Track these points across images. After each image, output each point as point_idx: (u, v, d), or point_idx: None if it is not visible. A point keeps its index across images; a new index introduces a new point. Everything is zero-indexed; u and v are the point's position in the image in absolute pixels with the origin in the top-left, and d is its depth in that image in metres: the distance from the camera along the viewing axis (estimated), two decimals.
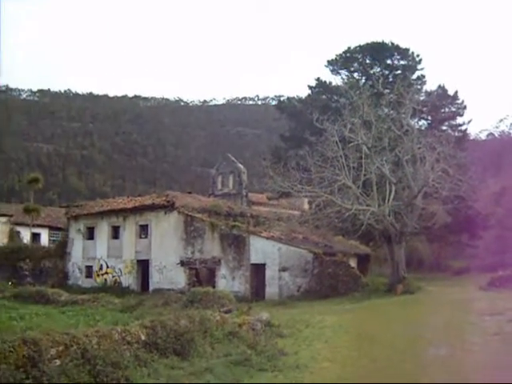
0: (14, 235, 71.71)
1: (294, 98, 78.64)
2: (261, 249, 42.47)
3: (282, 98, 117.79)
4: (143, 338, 16.56)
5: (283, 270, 40.92)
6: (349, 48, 68.21)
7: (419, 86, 61.94)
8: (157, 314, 25.89)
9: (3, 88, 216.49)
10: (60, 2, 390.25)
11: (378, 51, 66.16)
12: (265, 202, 65.53)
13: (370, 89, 48.29)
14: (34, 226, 69.37)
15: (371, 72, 64.84)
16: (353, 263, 43.57)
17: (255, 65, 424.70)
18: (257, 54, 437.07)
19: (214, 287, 38.34)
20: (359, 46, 67.68)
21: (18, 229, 72.77)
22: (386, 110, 45.39)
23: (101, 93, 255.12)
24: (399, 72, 63.89)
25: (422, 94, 60.92)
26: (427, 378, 14.64)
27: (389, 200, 38.17)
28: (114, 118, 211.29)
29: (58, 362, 13.60)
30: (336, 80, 68.92)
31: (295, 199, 55.43)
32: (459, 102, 64.79)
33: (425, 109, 52.78)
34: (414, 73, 65.11)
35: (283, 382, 14.54)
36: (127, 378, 14.23)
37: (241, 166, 68.32)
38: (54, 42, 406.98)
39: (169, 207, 47.87)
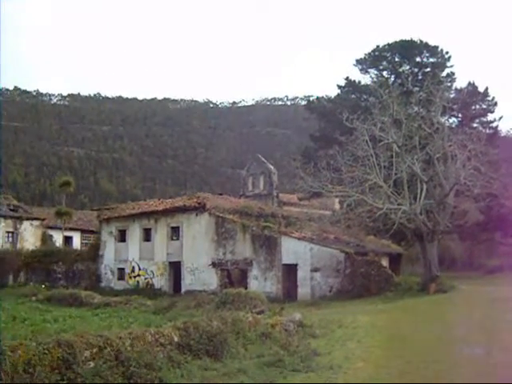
0: (46, 239, 72.31)
1: (323, 97, 78.50)
2: (292, 249, 42.39)
3: (311, 98, 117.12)
4: (176, 339, 16.61)
5: (315, 270, 40.81)
6: (377, 46, 67.96)
7: (449, 84, 61.47)
8: (189, 315, 25.98)
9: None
10: (88, 7, 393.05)
11: (407, 49, 65.80)
12: (296, 203, 65.43)
13: (399, 87, 48.15)
14: (66, 229, 69.89)
15: (400, 70, 64.56)
16: (385, 263, 43.35)
17: (284, 65, 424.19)
18: (286, 54, 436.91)
19: (245, 288, 38.31)
20: (388, 45, 67.39)
21: (51, 232, 73.38)
22: (416, 108, 45.12)
23: (130, 96, 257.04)
24: (429, 70, 63.46)
25: (452, 92, 60.52)
26: (462, 379, 14.48)
27: (420, 198, 37.94)
28: (144, 120, 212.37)
29: (91, 363, 13.69)
30: (365, 79, 68.75)
31: (326, 199, 55.19)
32: (490, 98, 64.31)
33: (455, 106, 52.34)
34: (443, 70, 64.66)
35: (317, 383, 14.49)
36: (161, 380, 14.26)
37: (271, 167, 68.25)
38: (84, 46, 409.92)
39: (200, 209, 47.92)
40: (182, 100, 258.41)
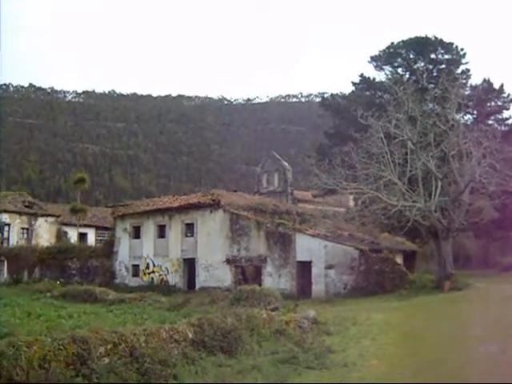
0: (61, 235, 72.60)
1: (337, 94, 78.57)
2: (307, 246, 42.37)
3: (325, 95, 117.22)
4: (190, 336, 16.65)
5: (329, 267, 40.78)
6: (392, 43, 67.83)
7: (464, 81, 61.29)
8: (203, 312, 26.04)
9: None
10: (103, 4, 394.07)
11: (422, 46, 65.64)
12: (310, 200, 65.51)
13: (414, 84, 48.00)
14: (80, 225, 70.20)
15: (415, 67, 64.35)
16: (399, 260, 43.32)
17: (298, 62, 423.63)
18: (300, 51, 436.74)
19: (260, 285, 38.37)
20: (402, 41, 67.26)
21: (66, 229, 73.68)
22: (431, 105, 45.03)
23: (145, 93, 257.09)
24: (443, 66, 63.31)
25: (467, 89, 60.30)
26: (477, 377, 14.43)
27: (435, 196, 37.87)
28: (159, 117, 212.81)
29: (106, 360, 13.76)
30: (380, 76, 68.75)
31: (340, 196, 55.29)
32: (505, 95, 64.10)
33: (470, 103, 52.28)
34: (458, 67, 64.52)
35: (331, 380, 14.48)
36: (175, 376, 14.31)
37: (286, 164, 68.39)
38: (99, 44, 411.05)
39: (214, 206, 47.97)
40: (196, 97, 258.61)
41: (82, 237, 72.88)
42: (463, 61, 65.30)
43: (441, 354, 17.07)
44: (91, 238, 75.42)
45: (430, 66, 64.82)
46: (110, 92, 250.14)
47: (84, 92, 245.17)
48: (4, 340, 13.98)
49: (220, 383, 14.01)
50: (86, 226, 73.13)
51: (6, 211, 67.83)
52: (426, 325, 23.14)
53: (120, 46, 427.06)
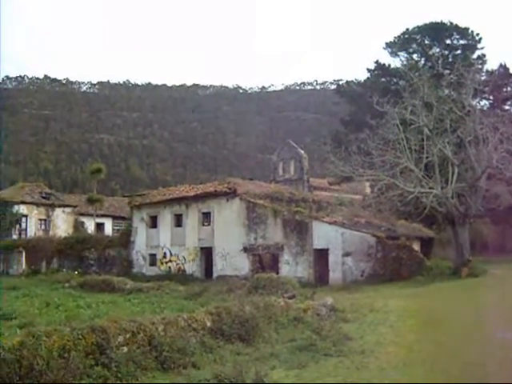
0: (78, 225, 73.01)
1: (352, 81, 78.39)
2: (323, 234, 42.33)
3: (340, 82, 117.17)
4: (209, 324, 16.76)
5: (346, 254, 40.76)
6: (407, 29, 67.60)
7: (480, 66, 60.97)
8: (221, 300, 26.09)
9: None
10: None
11: (437, 31, 65.35)
12: (326, 187, 65.33)
13: (429, 70, 47.95)
14: (97, 215, 70.49)
15: (430, 53, 64.04)
16: (416, 247, 43.21)
17: (313, 49, 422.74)
18: (314, 39, 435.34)
19: (277, 273, 38.45)
20: (417, 27, 67.00)
21: (83, 219, 74.08)
22: (447, 91, 44.77)
23: (159, 82, 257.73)
24: (459, 52, 63.10)
25: (483, 74, 59.99)
26: (494, 364, 14.43)
27: (452, 182, 37.76)
28: (174, 106, 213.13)
29: (125, 348, 13.90)
30: (395, 62, 68.72)
31: (357, 183, 55.00)
32: None
33: (486, 88, 51.88)
34: (474, 52, 64.22)
35: (349, 367, 14.51)
36: (194, 364, 14.41)
37: (301, 152, 68.13)
38: (113, 33, 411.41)
39: (231, 194, 48.02)
40: (211, 86, 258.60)
41: (99, 227, 73.20)
42: (479, 46, 65.05)
43: (458, 341, 17.08)
44: (108, 227, 75.78)
45: (446, 52, 64.53)
46: (124, 82, 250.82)
47: (99, 82, 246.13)
48: (24, 330, 14.16)
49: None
50: (102, 215, 73.46)
51: (23, 202, 68.30)
52: (443, 311, 23.14)
53: (134, 36, 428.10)
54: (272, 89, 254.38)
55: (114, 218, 76.70)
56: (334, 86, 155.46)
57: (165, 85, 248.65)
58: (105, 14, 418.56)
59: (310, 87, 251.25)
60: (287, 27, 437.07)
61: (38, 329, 13.24)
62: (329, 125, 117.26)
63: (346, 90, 74.19)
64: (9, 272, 60.55)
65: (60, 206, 72.37)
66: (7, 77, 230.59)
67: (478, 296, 27.93)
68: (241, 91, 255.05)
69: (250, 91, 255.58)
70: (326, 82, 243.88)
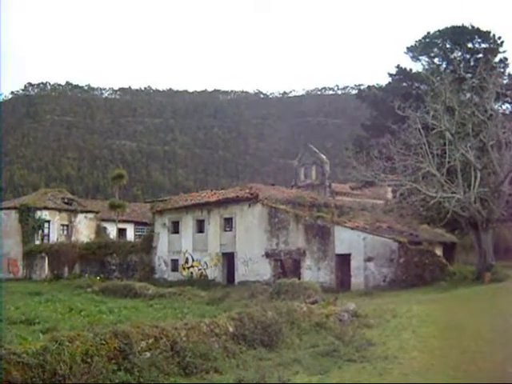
0: (100, 231, 73.19)
1: (374, 86, 78.08)
2: (346, 239, 42.21)
3: (362, 87, 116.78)
4: (231, 329, 16.75)
5: (368, 259, 40.63)
6: (428, 33, 67.20)
7: (502, 69, 60.49)
8: (243, 305, 26.09)
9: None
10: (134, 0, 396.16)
11: (459, 35, 64.95)
12: (348, 192, 65.33)
13: (451, 74, 47.55)
14: (119, 221, 70.69)
15: (452, 57, 63.64)
16: (438, 252, 42.99)
17: (334, 54, 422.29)
18: (336, 43, 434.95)
19: (299, 278, 38.39)
20: (439, 31, 66.60)
21: (105, 224, 74.26)
22: (469, 95, 44.57)
23: (181, 88, 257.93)
24: (481, 55, 62.56)
25: (505, 77, 59.47)
26: None
27: (474, 187, 37.54)
28: (195, 112, 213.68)
29: (148, 354, 13.92)
30: (416, 66, 68.23)
31: (379, 188, 54.94)
32: None
33: (508, 92, 51.62)
34: (496, 56, 63.68)
35: (371, 373, 14.46)
36: (216, 369, 14.43)
37: (323, 157, 68.22)
38: (134, 40, 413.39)
39: (252, 199, 47.98)
40: (232, 91, 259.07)
41: (121, 232, 73.40)
42: (501, 49, 64.45)
43: (482, 347, 16.95)
44: (130, 233, 75.94)
45: (467, 56, 64.13)
46: (145, 88, 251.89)
47: (120, 89, 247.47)
48: (47, 335, 14.21)
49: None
50: (124, 221, 73.60)
51: (46, 208, 68.49)
52: (466, 317, 22.98)
53: (156, 42, 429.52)
54: (293, 94, 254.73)
55: (136, 223, 76.84)
56: (355, 91, 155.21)
57: (186, 91, 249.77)
58: (127, 20, 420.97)
59: (331, 92, 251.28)
60: (308, 32, 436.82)
61: (61, 334, 13.30)
62: (350, 130, 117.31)
63: (367, 95, 73.81)
64: (32, 277, 61.06)
65: (82, 212, 72.52)
66: (30, 83, 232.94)
67: (502, 301, 27.75)
68: (262, 96, 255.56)
69: (271, 96, 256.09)
70: (347, 87, 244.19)
